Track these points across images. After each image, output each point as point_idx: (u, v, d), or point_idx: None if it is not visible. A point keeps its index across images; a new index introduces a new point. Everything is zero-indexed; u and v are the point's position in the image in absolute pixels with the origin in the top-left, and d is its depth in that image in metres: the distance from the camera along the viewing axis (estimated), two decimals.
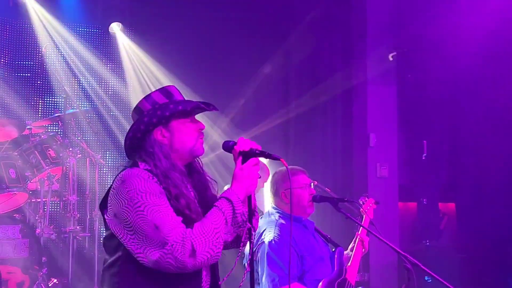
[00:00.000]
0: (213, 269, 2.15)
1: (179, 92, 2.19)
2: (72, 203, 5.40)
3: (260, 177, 2.12)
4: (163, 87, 2.19)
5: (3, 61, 6.10)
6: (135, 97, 6.21)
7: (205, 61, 6.17)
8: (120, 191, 1.95)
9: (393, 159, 5.86)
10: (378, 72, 5.82)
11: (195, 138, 2.13)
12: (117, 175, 2.05)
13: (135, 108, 2.16)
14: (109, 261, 2.04)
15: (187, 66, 6.06)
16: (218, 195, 2.09)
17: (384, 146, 5.82)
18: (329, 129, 6.20)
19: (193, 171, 2.20)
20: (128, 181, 1.94)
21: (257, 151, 2.07)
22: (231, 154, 2.12)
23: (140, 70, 6.47)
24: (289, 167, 3.15)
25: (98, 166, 5.64)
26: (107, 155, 6.21)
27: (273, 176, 3.32)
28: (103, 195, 2.08)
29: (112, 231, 1.99)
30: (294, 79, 6.39)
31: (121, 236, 1.95)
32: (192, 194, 2.12)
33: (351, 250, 3.36)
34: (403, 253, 2.80)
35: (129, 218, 1.91)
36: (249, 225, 2.08)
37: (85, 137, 5.86)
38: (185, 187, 2.06)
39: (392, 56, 5.65)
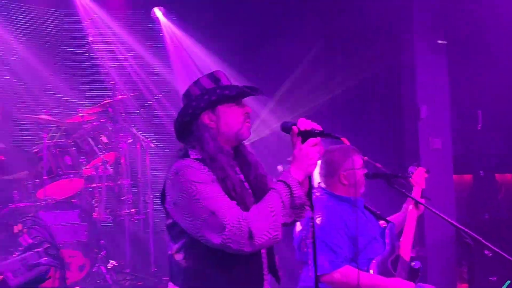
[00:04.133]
0: (270, 250, 2.19)
1: (226, 76, 2.23)
2: (126, 187, 5.54)
3: (319, 159, 2.10)
4: (211, 73, 2.23)
5: (53, 51, 6.27)
6: (180, 80, 6.27)
7: (248, 42, 6.12)
8: (176, 182, 2.03)
9: (446, 130, 5.67)
10: (426, 42, 5.61)
11: (241, 121, 2.16)
12: (171, 165, 2.11)
13: (184, 92, 2.23)
14: (174, 247, 2.12)
15: (231, 48, 6.03)
16: (275, 178, 2.09)
17: (436, 118, 5.62)
18: (377, 103, 6.05)
19: (240, 154, 2.23)
20: (181, 173, 2.02)
21: (316, 131, 2.05)
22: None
23: (184, 54, 6.50)
24: (340, 146, 3.09)
25: (148, 150, 5.75)
26: (157, 139, 6.30)
27: (326, 155, 3.12)
28: (156, 180, 2.16)
29: (174, 220, 2.07)
30: (340, 53, 6.25)
31: (182, 223, 2.03)
32: (241, 177, 2.17)
33: (405, 211, 3.26)
34: (463, 228, 2.72)
35: (187, 206, 1.99)
36: (308, 208, 2.09)
37: (134, 122, 5.97)
38: (232, 169, 2.11)
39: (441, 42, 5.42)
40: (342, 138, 2.05)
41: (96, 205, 5.24)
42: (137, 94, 6.18)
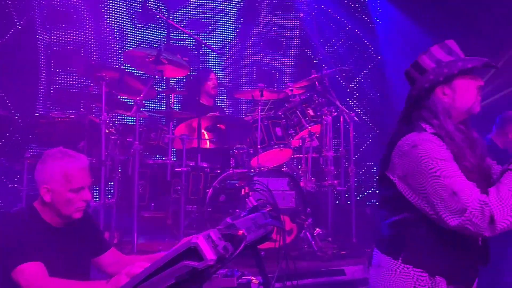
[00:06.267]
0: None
1: (458, 47, 2.12)
2: (330, 159, 5.69)
3: None
4: (443, 43, 2.13)
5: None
6: (388, 56, 6.14)
7: (463, 13, 5.68)
8: (412, 155, 1.97)
9: None
10: None
11: (475, 96, 2.08)
12: (398, 135, 2.06)
13: (414, 64, 2.14)
14: (392, 219, 2.10)
15: (443, 21, 5.67)
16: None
17: None
18: None
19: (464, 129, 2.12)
20: (421, 147, 1.96)
21: None
22: None
23: (393, 28, 6.33)
24: None
25: (352, 124, 5.80)
26: (361, 113, 6.32)
27: None
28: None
29: (400, 192, 2.03)
30: None
31: (412, 198, 1.99)
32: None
33: None
34: None
35: (424, 182, 1.94)
36: None
37: (339, 96, 6.06)
38: (468, 149, 2.02)
39: None
40: None
41: (302, 174, 5.51)
42: (344, 69, 6.26)
